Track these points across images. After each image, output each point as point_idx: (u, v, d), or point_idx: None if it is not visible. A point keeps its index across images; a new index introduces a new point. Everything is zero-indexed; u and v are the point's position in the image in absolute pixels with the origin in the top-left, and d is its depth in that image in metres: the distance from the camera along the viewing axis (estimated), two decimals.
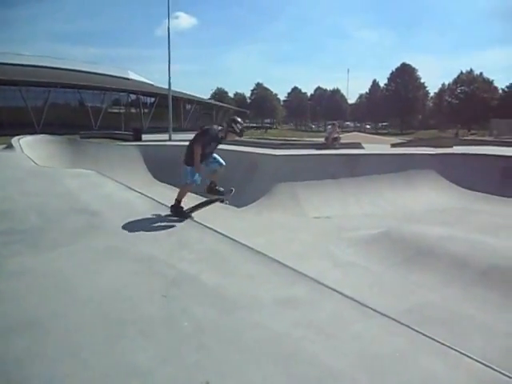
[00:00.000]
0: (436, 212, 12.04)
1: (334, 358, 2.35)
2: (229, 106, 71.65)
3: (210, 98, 78.35)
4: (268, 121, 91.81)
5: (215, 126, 5.63)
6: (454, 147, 19.37)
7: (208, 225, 5.20)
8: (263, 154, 14.19)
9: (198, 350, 2.44)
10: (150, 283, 3.42)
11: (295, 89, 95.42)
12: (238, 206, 11.95)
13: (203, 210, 6.31)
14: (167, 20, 26.75)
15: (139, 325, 2.72)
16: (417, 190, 13.77)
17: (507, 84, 76.43)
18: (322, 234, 7.73)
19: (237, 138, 5.86)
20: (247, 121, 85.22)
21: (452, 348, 2.46)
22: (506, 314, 5.79)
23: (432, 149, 18.14)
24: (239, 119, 5.68)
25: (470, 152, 16.61)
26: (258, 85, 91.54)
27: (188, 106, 58.24)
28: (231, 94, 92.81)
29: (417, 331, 2.66)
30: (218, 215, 10.93)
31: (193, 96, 58.63)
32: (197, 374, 2.22)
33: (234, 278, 3.57)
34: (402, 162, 14.62)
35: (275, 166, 13.14)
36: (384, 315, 2.83)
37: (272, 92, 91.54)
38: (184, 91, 54.52)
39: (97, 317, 2.84)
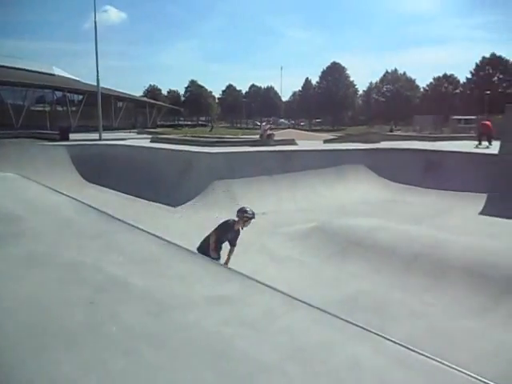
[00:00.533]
0: (366, 204, 12.66)
1: (264, 353, 2.38)
2: (162, 103, 70.03)
3: (142, 96, 76.09)
4: (203, 118, 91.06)
5: (231, 220, 6.04)
6: (382, 142, 20.46)
7: (140, 226, 5.05)
8: (198, 152, 14.07)
9: (126, 355, 2.36)
10: (75, 290, 3.25)
11: (230, 86, 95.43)
12: (173, 205, 11.77)
13: (136, 210, 6.14)
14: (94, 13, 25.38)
15: (64, 334, 2.58)
16: (348, 184, 14.38)
17: (427, 83, 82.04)
18: (257, 231, 7.81)
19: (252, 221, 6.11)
20: (181, 119, 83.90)
21: (376, 333, 2.59)
22: (428, 297, 6.23)
23: (361, 144, 19.02)
24: (246, 208, 6.11)
25: (396, 147, 17.64)
26: (193, 82, 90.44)
27: (119, 104, 56.06)
28: (165, 92, 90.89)
29: (344, 320, 2.77)
30: (150, 215, 10.70)
31: (124, 93, 56.52)
32: (123, 380, 2.15)
33: (165, 279, 3.49)
34: (334, 158, 15.19)
35: (211, 164, 13.08)
36: (312, 306, 2.91)
37: (207, 89, 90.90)
38: (115, 88, 52.43)
39: (18, 328, 2.66)
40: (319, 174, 14.06)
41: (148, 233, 4.72)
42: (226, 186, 12.33)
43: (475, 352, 4.55)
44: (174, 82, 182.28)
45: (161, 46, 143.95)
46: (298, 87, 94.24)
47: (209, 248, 5.74)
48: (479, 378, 2.14)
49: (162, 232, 4.86)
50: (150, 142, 19.46)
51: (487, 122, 18.81)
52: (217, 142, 17.98)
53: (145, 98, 69.59)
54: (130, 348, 2.44)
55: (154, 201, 12.16)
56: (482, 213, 11.15)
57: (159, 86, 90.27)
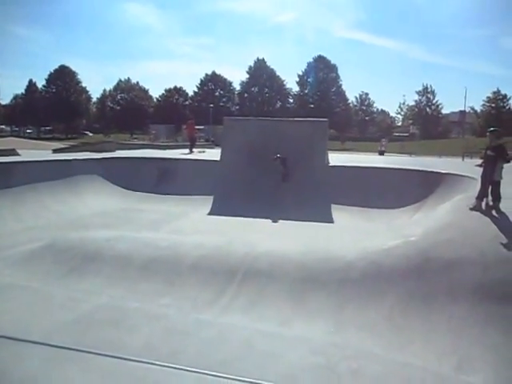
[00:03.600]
0: (104, 215, 12.25)
1: None
2: None
3: None
4: None
5: None
6: (117, 151, 20.29)
7: None
8: None
9: None
10: None
11: None
12: None
13: None
14: None
15: None
16: (83, 196, 13.60)
17: (160, 93, 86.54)
18: None
19: None
20: None
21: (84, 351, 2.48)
22: (165, 299, 6.50)
23: (96, 154, 18.35)
24: None
25: (131, 155, 17.79)
26: None
27: None
28: None
29: (50, 345, 2.55)
30: None
31: None
32: None
33: None
34: (65, 168, 14.09)
35: None
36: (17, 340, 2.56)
37: None
38: None
39: None
40: (49, 187, 12.77)
41: None
42: None
43: (199, 342, 5.00)
44: None
45: None
46: (21, 90, 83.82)
47: None
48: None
49: None
50: None
51: (189, 129, 21.35)
52: None
53: None
54: None
55: None
56: (209, 213, 12.48)
57: None
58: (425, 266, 6.50)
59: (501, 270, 6.25)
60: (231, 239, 8.50)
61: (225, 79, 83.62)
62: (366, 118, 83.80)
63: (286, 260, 6.94)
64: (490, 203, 7.76)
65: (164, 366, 2.29)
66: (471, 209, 7.80)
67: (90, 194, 13.86)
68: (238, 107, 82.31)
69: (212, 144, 25.97)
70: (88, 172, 14.75)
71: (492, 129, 8.30)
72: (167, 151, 21.08)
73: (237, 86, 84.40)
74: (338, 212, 11.61)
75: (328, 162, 14.36)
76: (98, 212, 12.62)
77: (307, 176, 13.17)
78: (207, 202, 13.38)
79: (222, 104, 79.19)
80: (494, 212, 7.59)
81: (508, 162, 7.90)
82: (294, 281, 6.24)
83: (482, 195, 7.85)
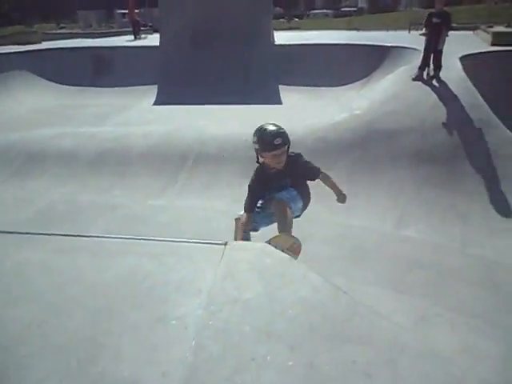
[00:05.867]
0: (42, 113, 11.50)
1: None
2: None
3: None
4: None
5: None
6: (44, 43, 18.32)
7: None
8: None
9: None
10: None
11: None
12: None
13: None
14: None
15: None
16: (14, 94, 12.56)
17: None
18: None
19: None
20: None
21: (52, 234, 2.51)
22: (117, 191, 6.51)
23: (19, 46, 16.51)
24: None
25: (63, 46, 16.16)
26: None
27: None
28: None
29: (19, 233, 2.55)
30: None
31: None
32: None
33: None
34: None
35: None
36: None
37: None
38: None
39: None
40: None
41: None
42: None
43: (158, 224, 5.18)
44: None
45: None
46: None
47: None
48: None
49: None
50: None
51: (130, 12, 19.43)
52: None
53: None
54: None
55: None
56: (154, 103, 11.98)
57: None
58: (369, 136, 6.79)
59: (438, 135, 6.67)
60: (179, 127, 8.34)
61: None
62: None
63: (234, 141, 6.98)
64: (431, 73, 7.93)
65: (125, 238, 2.37)
66: (413, 79, 7.95)
67: (22, 92, 12.79)
68: None
69: (150, 29, 23.83)
70: (14, 68, 13.39)
71: None
72: (103, 40, 19.26)
73: None
74: (287, 92, 11.48)
75: (274, 41, 13.75)
76: (35, 110, 11.80)
77: (253, 56, 12.66)
78: (151, 91, 12.75)
79: None
80: (434, 81, 7.80)
81: (451, 29, 7.91)
82: (244, 160, 6.38)
83: (423, 65, 7.97)
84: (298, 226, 3.11)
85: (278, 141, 2.87)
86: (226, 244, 2.14)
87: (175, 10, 13.76)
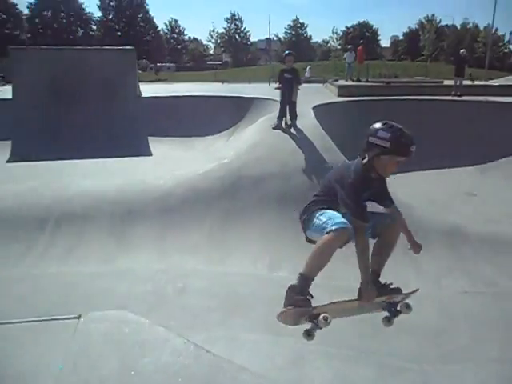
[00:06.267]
0: None
1: None
2: None
3: None
4: None
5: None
6: None
7: None
8: None
9: None
10: None
11: None
12: None
13: None
14: None
15: None
16: None
17: None
18: None
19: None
20: None
21: None
22: None
23: None
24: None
25: None
26: None
27: None
28: None
29: None
30: None
31: None
32: None
33: None
34: None
35: None
36: None
37: None
38: None
39: None
40: None
41: None
42: None
43: (11, 298, 4.60)
44: None
45: None
46: None
47: None
48: None
49: None
50: None
51: None
52: None
53: None
54: None
55: None
56: (8, 161, 10.83)
57: None
58: (237, 183, 7.06)
59: (299, 177, 7.24)
60: (39, 185, 7.65)
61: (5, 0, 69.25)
62: (179, 47, 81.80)
63: (101, 198, 6.63)
64: (289, 122, 8.69)
65: None
66: (274, 128, 8.61)
67: None
68: (29, 35, 70.20)
69: (2, 81, 21.86)
70: None
71: (287, 52, 9.08)
72: None
73: (24, 9, 71.18)
74: (157, 143, 11.43)
75: (140, 93, 13.73)
76: None
77: (119, 109, 12.42)
78: (4, 148, 11.55)
79: (7, 31, 66.25)
80: (292, 129, 8.55)
81: (301, 83, 8.85)
82: (113, 217, 6.09)
83: (281, 115, 8.70)
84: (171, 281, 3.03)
85: (413, 148, 2.50)
86: (79, 317, 1.98)
87: (30, 62, 12.95)
